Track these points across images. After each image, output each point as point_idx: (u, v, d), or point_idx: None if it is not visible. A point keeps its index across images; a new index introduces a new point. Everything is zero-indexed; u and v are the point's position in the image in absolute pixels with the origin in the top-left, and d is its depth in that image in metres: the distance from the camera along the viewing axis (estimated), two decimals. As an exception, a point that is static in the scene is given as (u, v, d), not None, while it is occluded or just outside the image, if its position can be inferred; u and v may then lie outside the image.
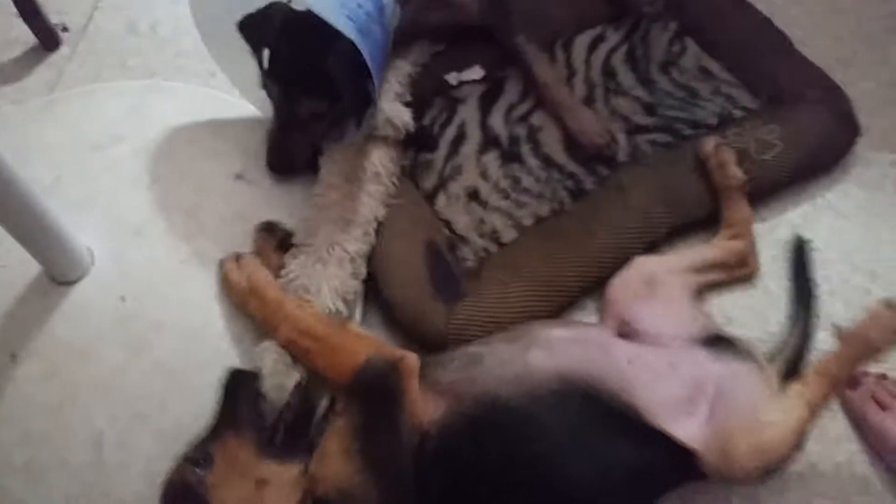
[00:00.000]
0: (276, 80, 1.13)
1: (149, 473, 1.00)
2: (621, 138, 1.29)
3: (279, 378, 1.01)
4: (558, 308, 1.17)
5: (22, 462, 1.04)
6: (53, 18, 1.57)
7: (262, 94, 1.17)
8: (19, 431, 1.05)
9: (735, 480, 0.97)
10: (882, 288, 1.21)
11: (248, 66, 1.15)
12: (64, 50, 1.59)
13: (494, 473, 0.92)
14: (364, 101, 1.14)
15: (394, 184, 1.23)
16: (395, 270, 1.17)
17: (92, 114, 1.34)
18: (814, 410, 1.00)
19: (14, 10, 1.49)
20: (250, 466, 0.89)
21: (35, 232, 1.04)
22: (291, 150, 1.20)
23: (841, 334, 1.04)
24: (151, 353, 1.10)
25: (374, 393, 0.91)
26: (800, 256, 1.24)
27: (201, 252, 1.16)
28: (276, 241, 1.15)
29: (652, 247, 1.21)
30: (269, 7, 1.11)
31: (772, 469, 0.96)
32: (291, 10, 1.10)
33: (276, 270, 1.13)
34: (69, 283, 1.13)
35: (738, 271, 1.20)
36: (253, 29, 1.12)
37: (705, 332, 1.05)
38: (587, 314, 1.19)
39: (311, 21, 1.03)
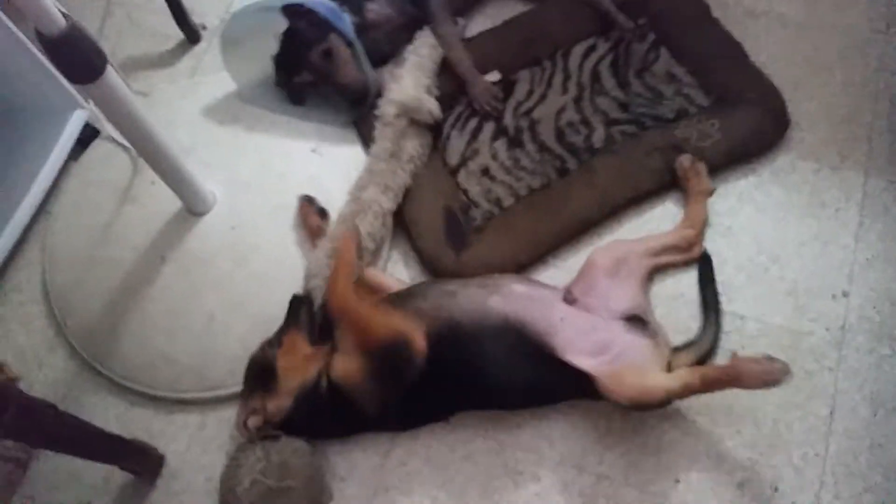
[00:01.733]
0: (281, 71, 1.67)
1: (242, 343, 1.41)
2: (506, 106, 1.62)
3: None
4: (533, 259, 1.48)
5: (164, 326, 1.47)
6: (196, 19, 1.88)
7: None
8: (163, 307, 1.48)
9: (618, 402, 1.22)
10: (780, 268, 1.45)
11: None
12: (203, 44, 1.90)
13: (451, 374, 1.27)
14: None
15: (423, 163, 1.58)
16: (422, 226, 1.53)
17: (219, 96, 1.71)
18: (683, 391, 1.19)
19: (169, 12, 1.82)
20: (302, 347, 1.34)
21: (178, 179, 1.40)
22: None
23: (731, 358, 1.17)
24: (249, 265, 1.47)
25: (391, 357, 1.25)
26: (707, 269, 1.45)
27: (287, 202, 1.52)
28: (315, 209, 1.50)
29: (612, 213, 1.51)
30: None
31: (641, 406, 1.23)
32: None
33: (317, 231, 1.47)
34: (199, 214, 1.50)
35: (685, 254, 1.45)
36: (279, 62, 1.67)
37: (631, 311, 1.31)
38: (548, 267, 1.50)
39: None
